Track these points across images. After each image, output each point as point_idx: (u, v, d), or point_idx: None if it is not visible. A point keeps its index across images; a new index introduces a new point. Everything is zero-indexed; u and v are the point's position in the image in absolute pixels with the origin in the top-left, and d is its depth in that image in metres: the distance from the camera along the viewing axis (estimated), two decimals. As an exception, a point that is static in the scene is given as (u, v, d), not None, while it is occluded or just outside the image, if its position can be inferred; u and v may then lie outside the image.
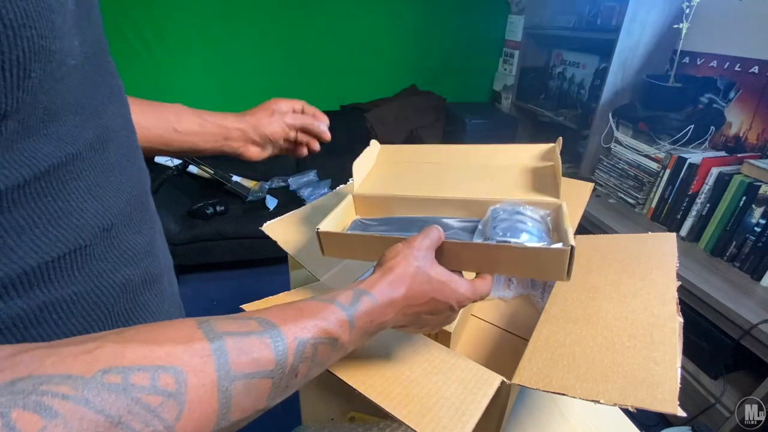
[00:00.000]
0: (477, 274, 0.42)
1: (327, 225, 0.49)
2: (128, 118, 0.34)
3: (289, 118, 0.59)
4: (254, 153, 0.59)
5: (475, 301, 0.41)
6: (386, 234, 0.47)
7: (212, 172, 2.13)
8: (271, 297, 0.54)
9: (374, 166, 0.63)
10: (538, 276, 0.40)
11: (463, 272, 0.42)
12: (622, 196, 1.66)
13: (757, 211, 1.19)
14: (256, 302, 0.52)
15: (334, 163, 2.44)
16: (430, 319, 0.38)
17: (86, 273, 0.27)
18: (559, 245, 0.38)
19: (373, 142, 0.65)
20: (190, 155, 0.56)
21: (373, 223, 0.54)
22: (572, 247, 0.37)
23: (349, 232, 0.53)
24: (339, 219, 0.54)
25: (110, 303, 0.29)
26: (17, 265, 0.23)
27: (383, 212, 0.56)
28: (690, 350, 1.22)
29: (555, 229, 0.45)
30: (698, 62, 1.59)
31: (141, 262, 0.32)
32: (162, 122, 0.51)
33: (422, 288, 0.36)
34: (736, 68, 1.46)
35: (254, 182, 2.30)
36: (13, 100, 0.20)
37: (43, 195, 0.24)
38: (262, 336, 0.25)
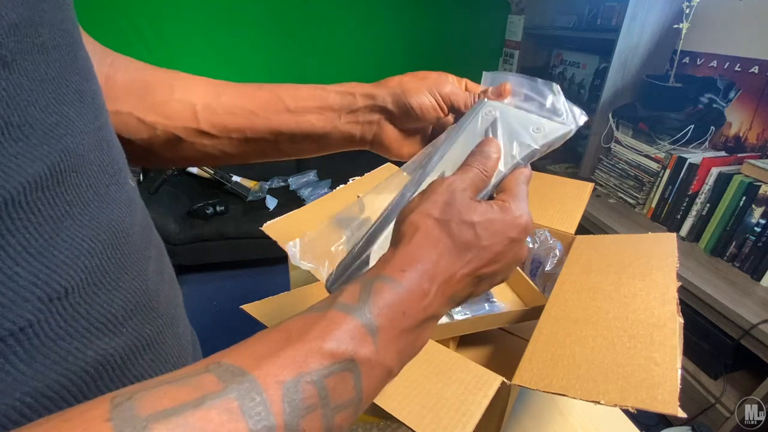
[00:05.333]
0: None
1: None
2: (106, 132, 0.25)
3: (448, 88, 0.38)
4: (393, 138, 0.40)
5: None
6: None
7: (212, 172, 2.13)
8: (271, 297, 0.54)
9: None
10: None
11: None
12: (622, 196, 1.66)
13: (757, 211, 1.19)
14: (256, 302, 0.52)
15: (334, 163, 2.45)
16: (495, 271, 0.27)
17: (34, 363, 0.18)
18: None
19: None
20: (305, 154, 0.41)
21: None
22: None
23: None
24: None
25: (79, 394, 0.20)
26: None
27: None
28: (690, 350, 1.22)
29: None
30: (698, 62, 1.59)
31: (125, 325, 0.23)
32: (272, 102, 0.38)
33: (464, 237, 0.25)
34: (736, 68, 1.45)
35: (254, 182, 2.30)
36: None
37: None
38: (223, 398, 0.16)
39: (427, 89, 0.37)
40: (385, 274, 0.23)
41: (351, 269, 0.31)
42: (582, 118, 0.34)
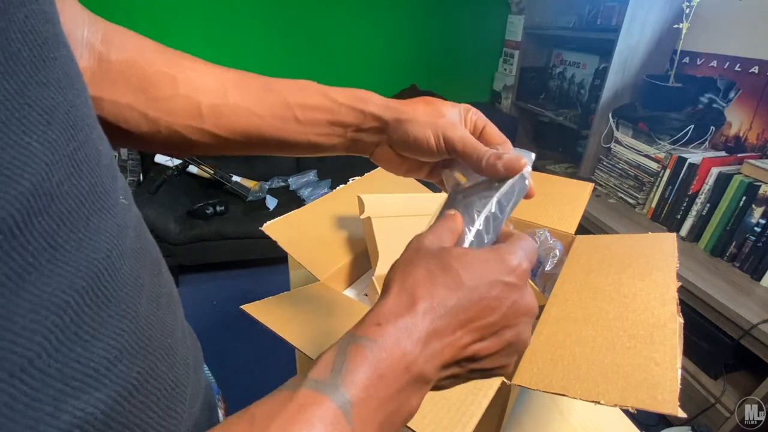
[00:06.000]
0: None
1: None
2: (87, 149, 0.20)
3: (458, 132, 0.35)
4: (390, 160, 0.39)
5: (532, 263, 0.26)
6: None
7: (212, 172, 2.13)
8: (271, 297, 0.54)
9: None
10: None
11: None
12: (622, 196, 1.66)
13: (757, 211, 1.19)
14: (256, 302, 0.52)
15: (334, 163, 2.45)
16: (496, 323, 0.23)
17: None
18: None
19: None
20: (309, 154, 0.39)
21: None
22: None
23: None
24: None
25: None
26: None
27: None
28: (690, 350, 1.22)
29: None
30: (698, 62, 1.59)
31: (108, 376, 0.20)
32: (281, 110, 0.36)
33: (443, 280, 0.23)
34: (736, 68, 1.46)
35: (254, 182, 2.30)
36: None
37: None
38: None
39: (432, 128, 0.35)
40: (359, 333, 0.21)
41: None
42: (530, 159, 0.34)
